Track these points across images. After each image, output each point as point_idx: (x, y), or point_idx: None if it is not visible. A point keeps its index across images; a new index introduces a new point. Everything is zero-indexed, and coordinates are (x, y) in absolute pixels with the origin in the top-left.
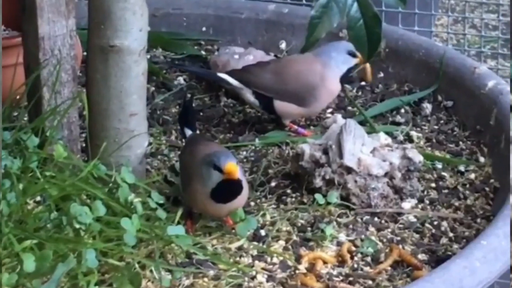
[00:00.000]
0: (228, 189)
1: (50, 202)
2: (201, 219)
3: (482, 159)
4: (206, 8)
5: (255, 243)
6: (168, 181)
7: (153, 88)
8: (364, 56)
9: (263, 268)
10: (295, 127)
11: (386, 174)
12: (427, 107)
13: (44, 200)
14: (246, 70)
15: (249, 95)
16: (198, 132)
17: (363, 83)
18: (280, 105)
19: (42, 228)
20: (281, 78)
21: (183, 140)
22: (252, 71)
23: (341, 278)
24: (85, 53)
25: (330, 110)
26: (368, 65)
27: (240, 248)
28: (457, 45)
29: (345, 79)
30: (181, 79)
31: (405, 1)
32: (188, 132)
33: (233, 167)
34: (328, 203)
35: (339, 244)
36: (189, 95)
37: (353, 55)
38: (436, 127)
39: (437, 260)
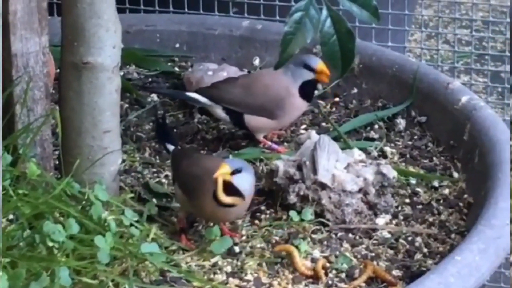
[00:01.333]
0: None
1: (23, 220)
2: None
3: (455, 175)
4: (179, 25)
5: (230, 260)
6: (142, 198)
7: (126, 105)
8: (338, 71)
9: (237, 285)
10: (269, 143)
11: (360, 190)
12: (401, 122)
13: (17, 218)
14: (215, 86)
15: (219, 112)
16: (179, 146)
17: (336, 99)
18: (251, 119)
19: (15, 247)
20: (249, 92)
21: (169, 155)
22: (221, 88)
23: None
24: (58, 70)
25: (304, 126)
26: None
27: (214, 265)
28: (430, 60)
29: (305, 93)
30: (154, 96)
31: (378, 17)
32: (171, 147)
33: (223, 169)
34: (302, 220)
35: (314, 260)
36: (160, 112)
37: (309, 68)
38: (410, 142)
39: (412, 276)
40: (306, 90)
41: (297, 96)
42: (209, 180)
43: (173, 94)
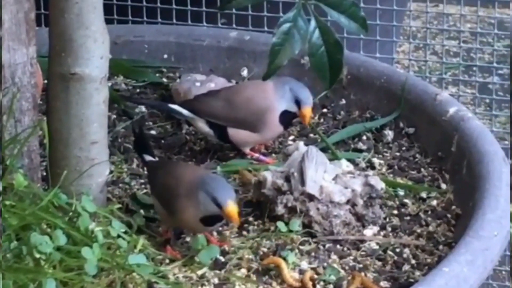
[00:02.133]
0: (219, 220)
1: (10, 232)
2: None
3: (443, 186)
4: (167, 36)
5: (217, 271)
6: (130, 210)
7: (114, 116)
8: (326, 82)
9: None
10: (256, 155)
11: (348, 201)
12: (389, 134)
13: (4, 229)
14: (198, 99)
15: (202, 125)
16: (157, 158)
17: (324, 110)
18: (234, 133)
19: (2, 258)
20: (232, 105)
21: (145, 167)
22: (203, 100)
23: None
24: (46, 81)
25: (292, 137)
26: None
27: (202, 277)
28: (418, 71)
29: (284, 120)
30: (142, 107)
31: (367, 28)
32: (149, 159)
33: (235, 211)
34: (290, 231)
35: (301, 272)
36: (137, 123)
37: (297, 103)
38: (397, 153)
39: (400, 287)
40: (284, 117)
41: (277, 114)
42: (184, 190)
43: (157, 105)
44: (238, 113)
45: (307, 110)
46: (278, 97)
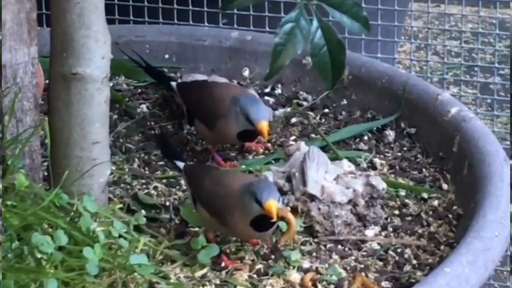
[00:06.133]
0: (266, 222)
1: (12, 232)
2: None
3: (445, 186)
4: (169, 36)
5: (219, 271)
6: (131, 210)
7: (115, 116)
8: (328, 83)
9: None
10: (214, 153)
11: (349, 202)
12: (390, 134)
13: (5, 229)
14: (190, 85)
15: (184, 109)
16: (189, 162)
17: (326, 110)
18: (197, 124)
19: (3, 258)
20: (202, 97)
21: (180, 172)
22: (191, 87)
23: None
24: (47, 81)
25: (293, 137)
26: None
27: (203, 277)
28: (420, 72)
29: (243, 138)
30: (144, 107)
31: (369, 28)
32: (180, 164)
33: (273, 206)
34: None
35: (303, 272)
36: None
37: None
38: (399, 154)
39: (401, 287)
40: (242, 135)
41: (230, 130)
42: (236, 202)
43: (161, 79)
44: (202, 106)
45: (262, 125)
46: (233, 114)
